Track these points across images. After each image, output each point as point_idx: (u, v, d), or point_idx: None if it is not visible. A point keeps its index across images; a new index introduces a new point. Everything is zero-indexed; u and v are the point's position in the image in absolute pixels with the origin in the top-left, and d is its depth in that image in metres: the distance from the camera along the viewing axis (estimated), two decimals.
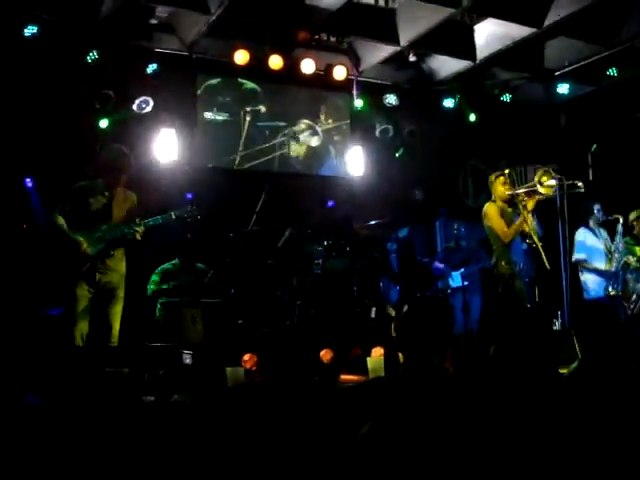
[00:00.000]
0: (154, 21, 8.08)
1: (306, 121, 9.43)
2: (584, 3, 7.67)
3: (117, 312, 6.13)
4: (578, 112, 10.46)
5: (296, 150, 9.38)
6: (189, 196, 8.07)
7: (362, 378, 5.46)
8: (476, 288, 8.93)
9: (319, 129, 9.50)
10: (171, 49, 8.41)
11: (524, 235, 7.10)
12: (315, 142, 9.50)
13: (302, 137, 9.39)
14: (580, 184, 7.02)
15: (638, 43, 8.55)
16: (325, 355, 6.79)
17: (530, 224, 6.94)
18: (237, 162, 8.97)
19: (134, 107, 8.10)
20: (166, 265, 7.49)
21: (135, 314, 6.59)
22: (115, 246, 6.10)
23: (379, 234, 8.66)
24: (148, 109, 8.12)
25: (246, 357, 6.47)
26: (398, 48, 8.62)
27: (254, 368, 6.47)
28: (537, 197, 7.02)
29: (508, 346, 3.52)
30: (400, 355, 4.72)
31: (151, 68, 8.13)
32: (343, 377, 5.81)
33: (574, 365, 3.78)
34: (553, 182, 7.11)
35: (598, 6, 7.72)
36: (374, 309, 7.48)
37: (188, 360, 3.39)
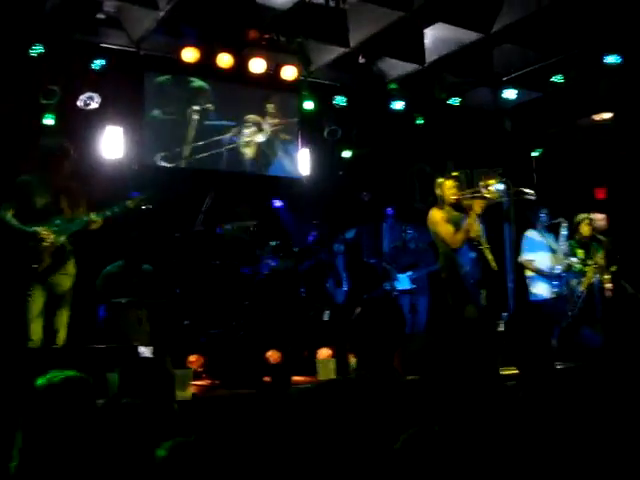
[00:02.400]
0: (101, 16, 7.94)
1: (253, 117, 9.36)
2: (531, 10, 7.79)
3: (65, 315, 6.01)
4: (523, 117, 10.64)
5: (244, 149, 9.31)
6: (135, 195, 7.94)
7: (311, 379, 5.45)
8: (423, 290, 9.00)
9: (266, 126, 9.44)
10: (118, 45, 8.25)
11: (471, 238, 7.16)
12: (261, 138, 9.43)
13: (248, 132, 9.31)
14: (530, 191, 7.12)
15: (581, 52, 8.72)
16: (272, 356, 6.76)
17: (477, 228, 7.00)
18: (184, 161, 8.86)
19: (79, 103, 7.92)
20: (110, 267, 7.34)
21: (80, 316, 6.45)
22: (72, 238, 6.00)
23: (326, 235, 8.67)
24: (94, 105, 7.94)
25: (192, 358, 6.42)
26: (348, 50, 8.63)
27: (200, 369, 6.42)
28: (484, 201, 7.08)
29: (457, 348, 3.54)
30: (350, 357, 4.73)
31: (98, 64, 7.95)
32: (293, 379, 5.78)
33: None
34: (499, 187, 7.19)
35: (543, 15, 7.85)
36: (327, 312, 7.46)
37: (148, 353, 3.33)
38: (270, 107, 9.51)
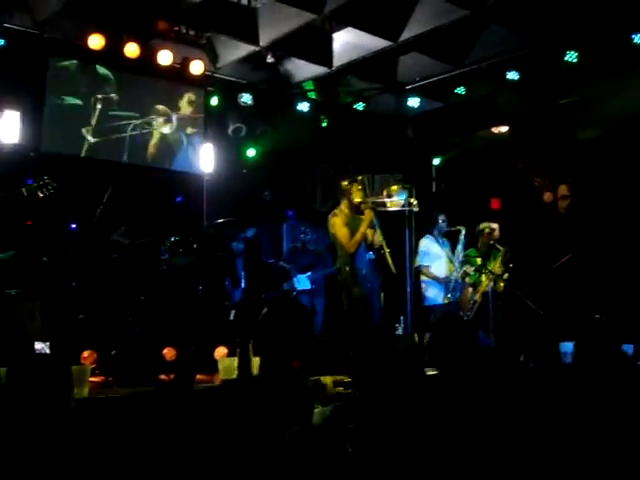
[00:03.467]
0: None
1: (161, 107, 9.19)
2: (438, 23, 7.98)
3: None
4: (425, 125, 10.88)
5: (148, 142, 9.13)
6: (30, 182, 7.67)
7: (212, 378, 5.41)
8: (320, 291, 9.07)
9: (174, 117, 9.29)
10: (21, 26, 7.94)
11: (371, 243, 7.27)
12: (167, 130, 9.26)
13: (155, 124, 9.13)
14: (415, 202, 7.28)
15: (484, 66, 8.99)
16: (168, 353, 6.68)
17: (372, 232, 7.12)
18: (85, 150, 8.61)
19: None
20: (1, 256, 7.07)
21: None
22: None
23: (226, 233, 8.61)
24: None
25: (85, 354, 6.26)
26: (257, 48, 8.60)
27: (94, 365, 6.26)
28: (386, 208, 7.21)
29: (365, 349, 3.59)
30: (252, 357, 4.72)
31: None
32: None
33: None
34: (402, 196, 7.34)
35: (450, 28, 8.05)
36: (233, 311, 7.42)
37: (45, 349, 3.22)
38: (180, 100, 9.36)
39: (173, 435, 3.00)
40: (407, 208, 7.27)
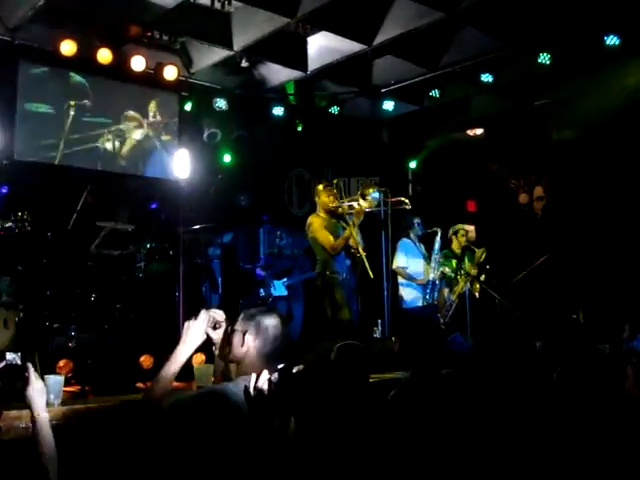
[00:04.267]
0: None
1: (132, 113, 9.12)
2: (412, 26, 7.99)
3: None
4: (401, 129, 10.91)
5: (122, 149, 9.06)
6: (4, 190, 7.59)
7: (188, 385, 5.35)
8: (299, 297, 9.04)
9: (145, 123, 9.23)
10: None
11: (348, 246, 7.27)
12: (138, 135, 9.19)
13: (126, 129, 9.06)
14: (406, 200, 7.30)
15: (458, 69, 9.03)
16: (145, 361, 6.60)
17: (355, 236, 7.12)
18: (58, 158, 8.51)
19: None
20: None
21: None
22: None
23: (202, 239, 8.57)
24: None
25: (61, 363, 6.16)
26: (231, 53, 8.55)
27: (69, 375, 6.17)
28: (363, 210, 7.20)
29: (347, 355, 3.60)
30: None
31: None
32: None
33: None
34: (376, 196, 7.34)
35: (425, 31, 8.07)
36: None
37: (17, 360, 3.15)
38: (151, 106, 9.30)
39: (146, 444, 2.97)
40: (383, 208, 7.28)
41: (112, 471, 3.64)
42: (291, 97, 9.81)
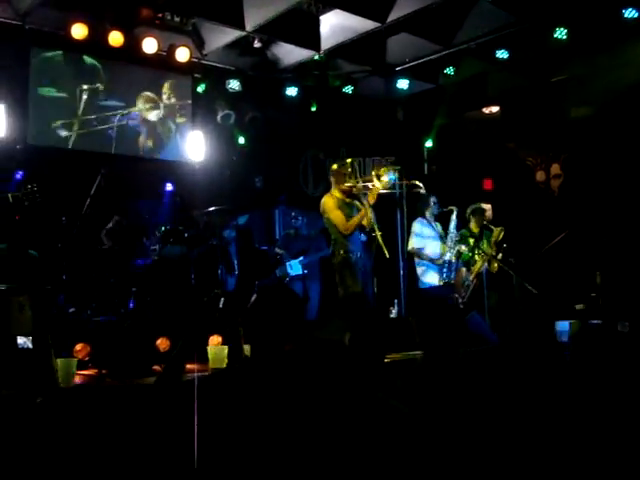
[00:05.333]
0: None
1: (148, 94, 9.10)
2: (426, 3, 7.89)
3: None
4: (416, 108, 10.80)
5: (137, 132, 9.05)
6: (19, 175, 7.59)
7: (203, 367, 5.36)
8: (315, 276, 9.00)
9: (161, 104, 9.21)
10: (2, 17, 7.83)
11: (363, 226, 7.22)
12: (154, 117, 9.19)
13: (141, 109, 9.04)
14: (420, 184, 7.23)
15: (473, 45, 8.92)
16: (162, 344, 6.62)
17: (370, 216, 7.07)
18: (72, 142, 8.53)
19: None
20: None
21: None
22: None
23: (218, 221, 8.54)
24: None
25: (78, 347, 6.19)
26: (243, 33, 8.52)
27: (87, 358, 6.20)
28: (377, 191, 7.15)
29: (361, 334, 3.57)
30: (244, 345, 4.67)
31: None
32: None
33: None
34: (391, 177, 7.28)
35: (439, 7, 7.97)
36: (222, 299, 7.35)
37: (28, 344, 3.15)
38: (165, 88, 9.27)
39: (161, 426, 2.96)
40: (397, 190, 7.22)
41: None
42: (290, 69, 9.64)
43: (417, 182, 7.48)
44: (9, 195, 5.90)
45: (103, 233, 7.77)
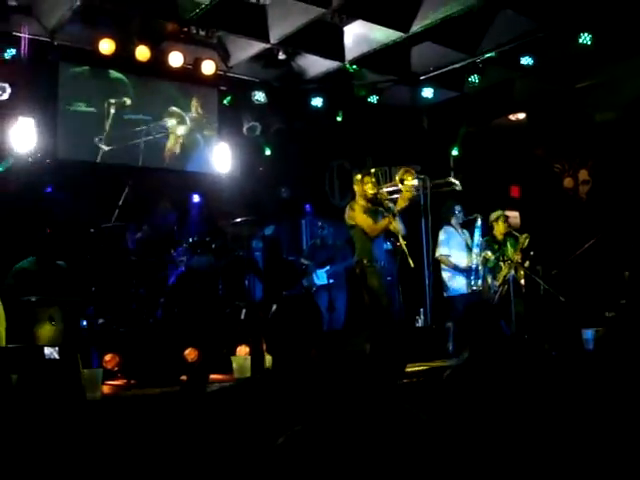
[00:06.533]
0: (13, 3, 7.61)
1: (175, 109, 9.23)
2: (449, 12, 7.90)
3: None
4: (441, 116, 10.80)
5: (164, 145, 9.17)
6: (49, 189, 7.73)
7: (227, 377, 5.40)
8: (341, 286, 9.02)
9: (188, 119, 9.33)
10: (32, 34, 7.96)
11: (388, 234, 7.24)
12: (182, 131, 9.31)
13: (169, 125, 9.16)
14: (456, 181, 7.21)
15: (497, 53, 8.91)
16: (190, 354, 6.67)
17: (395, 224, 7.08)
18: (100, 155, 8.66)
19: None
20: (22, 263, 7.11)
21: None
22: None
23: (245, 232, 8.60)
24: (5, 96, 7.68)
25: (107, 357, 6.26)
26: (268, 45, 8.59)
27: (116, 368, 6.27)
28: (408, 196, 7.16)
29: (381, 344, 3.56)
30: (266, 355, 4.70)
31: (9, 53, 7.70)
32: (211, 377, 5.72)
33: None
34: (415, 182, 7.29)
35: (462, 16, 7.98)
36: (244, 310, 7.40)
37: (54, 354, 3.21)
38: (193, 102, 9.39)
39: (184, 435, 3.00)
40: (422, 197, 7.22)
41: None
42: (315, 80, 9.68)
43: (451, 179, 7.44)
44: None
45: (132, 240, 7.84)
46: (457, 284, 8.36)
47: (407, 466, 2.74)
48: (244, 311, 7.37)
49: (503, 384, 3.60)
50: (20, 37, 7.89)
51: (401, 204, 7.13)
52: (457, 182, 7.37)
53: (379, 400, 3.27)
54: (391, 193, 7.26)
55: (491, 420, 3.36)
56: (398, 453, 2.86)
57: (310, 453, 2.41)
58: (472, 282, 8.20)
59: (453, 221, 8.42)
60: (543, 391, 3.67)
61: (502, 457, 3.20)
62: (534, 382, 3.77)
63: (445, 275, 8.44)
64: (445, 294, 8.42)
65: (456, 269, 8.35)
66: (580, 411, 3.29)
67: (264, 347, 4.75)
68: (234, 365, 5.37)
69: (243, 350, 6.63)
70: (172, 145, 9.25)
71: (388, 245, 7.34)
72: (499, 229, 8.36)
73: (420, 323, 7.83)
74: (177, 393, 4.61)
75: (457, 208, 8.37)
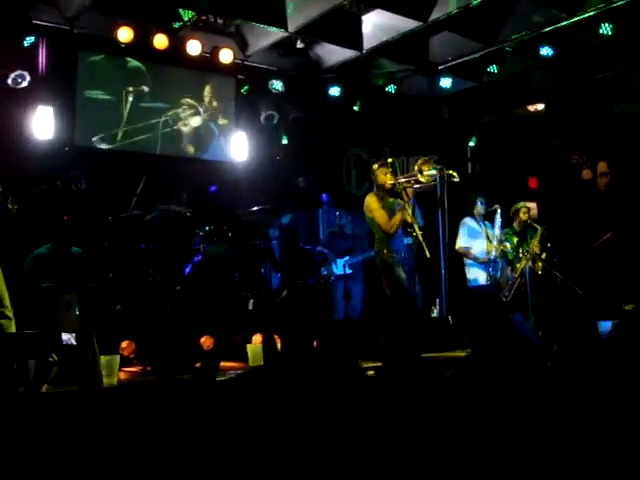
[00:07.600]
0: None
1: (188, 100, 9.24)
2: (468, 1, 7.85)
3: None
4: (459, 106, 10.74)
5: (180, 134, 9.19)
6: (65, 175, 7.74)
7: (243, 365, 5.42)
8: (358, 276, 9.03)
9: (201, 109, 9.33)
10: (51, 22, 8.02)
11: (406, 225, 7.21)
12: (196, 122, 9.31)
13: (184, 116, 9.18)
14: (454, 174, 7.19)
15: (516, 43, 8.84)
16: (205, 342, 6.71)
17: (411, 214, 7.05)
18: (118, 143, 8.69)
19: (9, 81, 7.66)
20: (40, 249, 7.17)
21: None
22: None
23: (262, 220, 8.61)
24: (24, 84, 7.71)
25: (124, 344, 6.31)
26: (286, 34, 8.56)
27: (132, 355, 6.32)
28: (416, 186, 7.14)
29: (398, 333, 3.55)
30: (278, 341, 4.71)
31: (28, 41, 7.75)
32: (223, 364, 5.74)
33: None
34: (433, 172, 7.26)
35: (481, 5, 7.92)
36: (252, 301, 7.40)
37: (72, 340, 3.24)
38: (207, 90, 9.39)
39: (197, 422, 3.01)
40: (440, 182, 7.18)
41: None
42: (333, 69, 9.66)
43: (452, 171, 7.40)
44: (57, 183, 6.04)
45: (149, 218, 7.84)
46: (477, 276, 8.34)
47: (420, 458, 2.74)
48: (251, 301, 7.37)
49: (503, 384, 3.57)
50: (39, 25, 7.94)
51: (410, 192, 7.11)
52: (455, 173, 7.29)
53: (394, 390, 3.27)
54: (409, 183, 7.22)
55: (491, 420, 3.34)
56: (412, 443, 2.87)
57: (323, 440, 2.41)
58: (491, 273, 8.18)
59: (474, 212, 8.39)
60: (546, 390, 3.65)
61: (504, 457, 3.19)
62: (537, 381, 3.75)
63: (466, 267, 8.42)
64: (467, 286, 8.40)
65: (476, 261, 8.32)
66: (588, 407, 3.27)
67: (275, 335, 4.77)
68: (249, 353, 5.40)
69: (259, 338, 6.66)
70: (188, 134, 9.26)
71: (409, 239, 7.30)
72: (519, 221, 8.33)
73: (435, 314, 7.81)
74: (190, 381, 4.64)
75: (479, 200, 8.33)
